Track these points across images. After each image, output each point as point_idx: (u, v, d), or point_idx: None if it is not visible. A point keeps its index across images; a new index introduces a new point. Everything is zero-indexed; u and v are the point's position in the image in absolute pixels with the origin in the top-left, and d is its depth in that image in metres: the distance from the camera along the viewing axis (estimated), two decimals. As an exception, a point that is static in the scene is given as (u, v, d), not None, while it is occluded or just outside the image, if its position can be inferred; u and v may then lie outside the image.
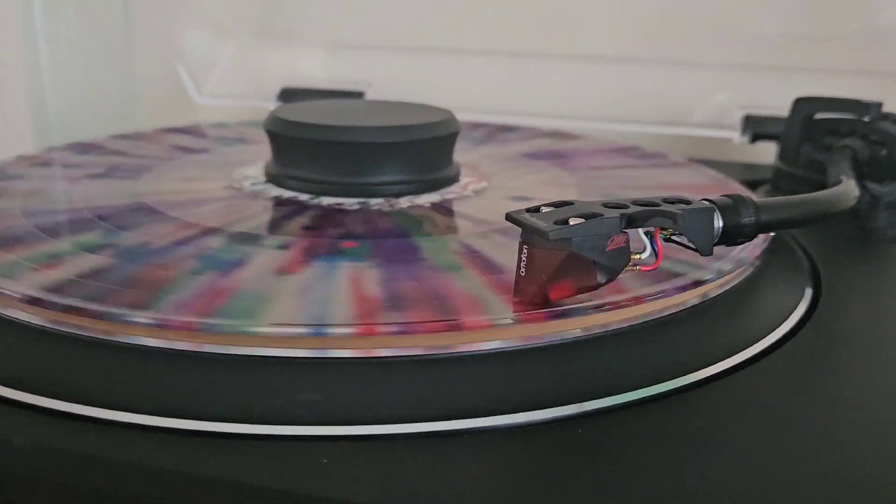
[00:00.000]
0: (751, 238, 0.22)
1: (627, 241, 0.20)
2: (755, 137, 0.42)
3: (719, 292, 0.24)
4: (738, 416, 0.19)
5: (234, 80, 0.54)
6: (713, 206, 0.21)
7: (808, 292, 0.25)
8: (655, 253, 0.21)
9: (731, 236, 0.21)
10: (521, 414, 0.19)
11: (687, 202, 0.21)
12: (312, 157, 0.30)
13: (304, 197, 0.29)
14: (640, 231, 0.21)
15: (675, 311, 0.22)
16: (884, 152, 0.33)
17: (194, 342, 0.20)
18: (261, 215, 0.29)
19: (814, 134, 0.36)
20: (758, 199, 0.22)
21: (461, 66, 0.48)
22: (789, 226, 0.23)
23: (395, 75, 0.50)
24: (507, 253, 0.24)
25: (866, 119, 0.34)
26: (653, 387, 0.20)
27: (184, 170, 0.35)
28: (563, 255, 0.19)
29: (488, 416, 0.19)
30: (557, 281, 0.20)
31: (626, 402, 0.19)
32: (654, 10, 0.45)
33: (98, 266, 0.23)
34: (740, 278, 0.25)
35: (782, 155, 0.37)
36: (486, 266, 0.24)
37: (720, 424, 0.19)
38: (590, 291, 0.20)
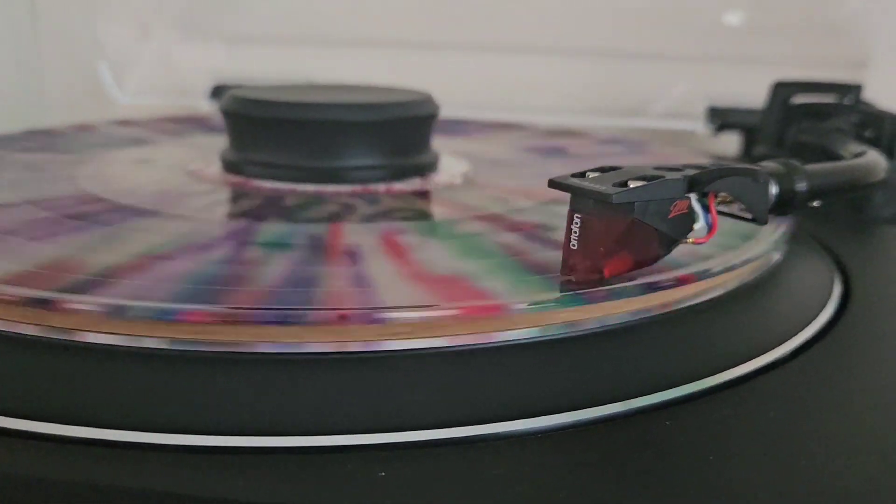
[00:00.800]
0: (801, 207, 0.20)
1: (690, 207, 0.18)
2: (720, 128, 0.41)
3: (753, 277, 0.22)
4: (806, 404, 0.17)
5: (156, 78, 0.49)
6: (767, 171, 0.19)
7: (837, 275, 0.24)
8: (709, 223, 0.19)
9: (784, 204, 0.19)
10: (561, 415, 0.16)
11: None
12: (280, 139, 0.26)
13: (267, 183, 0.26)
14: (693, 198, 0.18)
15: (701, 299, 0.20)
16: (867, 132, 0.32)
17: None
18: (221, 204, 0.25)
19: (791, 119, 0.35)
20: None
21: (410, 59, 0.46)
22: (836, 194, 0.21)
23: (333, 71, 0.47)
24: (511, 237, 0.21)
25: (846, 101, 0.34)
26: (702, 380, 0.17)
27: (126, 162, 0.31)
28: (624, 223, 0.17)
29: (523, 418, 0.16)
30: (616, 254, 0.17)
31: (672, 399, 0.17)
32: (612, 1, 0.43)
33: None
34: (771, 262, 0.23)
35: (762, 141, 0.36)
36: (507, 250, 0.21)
37: (778, 419, 0.16)
38: (648, 266, 0.18)
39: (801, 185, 0.19)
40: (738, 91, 0.41)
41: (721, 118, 0.41)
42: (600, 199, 0.16)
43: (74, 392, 0.16)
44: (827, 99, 0.35)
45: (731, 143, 0.42)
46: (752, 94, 0.38)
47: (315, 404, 0.15)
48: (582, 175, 0.18)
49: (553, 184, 0.17)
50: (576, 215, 0.17)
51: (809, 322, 0.21)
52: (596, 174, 0.18)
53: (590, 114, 0.43)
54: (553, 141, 0.36)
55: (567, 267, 0.18)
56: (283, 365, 0.16)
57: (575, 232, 0.17)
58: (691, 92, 0.43)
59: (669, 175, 0.17)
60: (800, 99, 0.35)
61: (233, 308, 0.16)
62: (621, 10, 0.43)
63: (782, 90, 0.35)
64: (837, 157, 0.27)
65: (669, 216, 0.17)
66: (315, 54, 0.48)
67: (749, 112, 0.40)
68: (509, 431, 0.16)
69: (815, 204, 0.20)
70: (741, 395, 0.17)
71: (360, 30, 0.47)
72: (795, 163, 0.20)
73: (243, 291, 0.17)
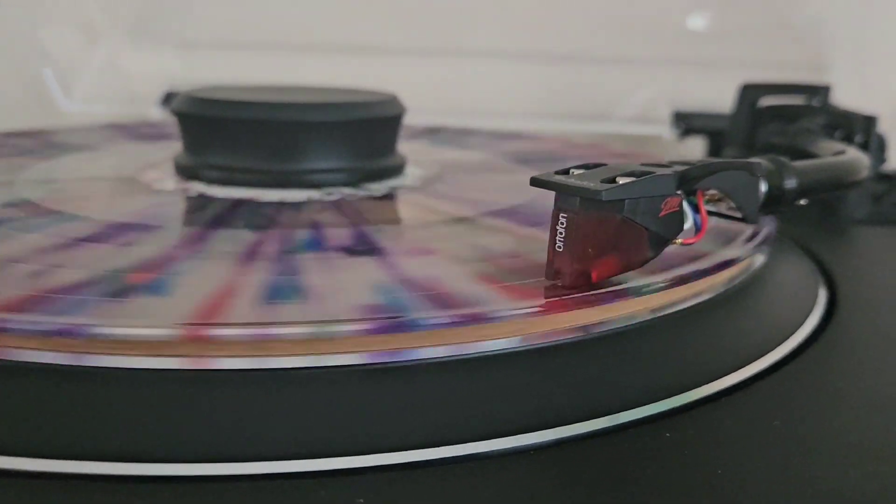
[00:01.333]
0: (789, 205, 0.19)
1: (681, 205, 0.17)
2: (685, 133, 0.41)
3: (738, 281, 0.21)
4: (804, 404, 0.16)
5: (105, 85, 0.47)
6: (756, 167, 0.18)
7: (821, 278, 0.23)
8: (698, 223, 0.18)
9: (773, 202, 0.19)
10: (551, 430, 0.15)
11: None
12: (235, 141, 0.25)
13: (222, 188, 0.25)
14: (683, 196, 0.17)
15: (689, 304, 0.19)
16: (837, 133, 0.32)
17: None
18: (173, 213, 0.24)
19: (760, 121, 0.35)
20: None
21: (372, 64, 0.44)
22: (823, 191, 0.20)
23: (291, 78, 0.45)
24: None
25: (815, 103, 0.33)
26: (700, 387, 0.16)
27: (71, 169, 0.29)
28: (613, 222, 0.16)
29: (508, 435, 0.15)
30: (605, 255, 0.16)
31: (665, 411, 0.16)
32: (576, 5, 0.43)
33: None
34: (756, 265, 0.22)
35: (730, 144, 0.35)
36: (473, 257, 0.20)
37: (782, 426, 0.15)
38: (637, 268, 0.17)
39: (791, 182, 0.19)
40: (703, 95, 0.41)
41: (686, 123, 0.41)
42: (588, 196, 0.15)
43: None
44: (795, 101, 0.34)
45: (696, 148, 0.42)
46: (718, 98, 0.37)
47: (288, 426, 0.14)
48: (566, 172, 0.17)
49: (536, 181, 0.16)
50: (561, 215, 0.16)
51: (799, 326, 0.20)
52: (580, 171, 0.17)
53: (555, 119, 0.42)
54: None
55: (552, 270, 0.16)
56: (252, 383, 0.15)
57: (560, 233, 0.16)
58: (657, 96, 0.43)
59: (659, 171, 0.16)
60: (767, 101, 0.35)
61: (188, 325, 0.15)
62: (586, 14, 0.43)
63: (750, 92, 0.35)
64: (811, 158, 0.27)
65: (660, 215, 0.16)
66: (271, 61, 0.47)
67: (714, 116, 0.39)
68: (493, 450, 0.14)
69: (802, 202, 0.20)
70: (740, 403, 0.16)
71: (318, 35, 0.46)
72: (784, 159, 0.19)
73: (201, 306, 0.16)
